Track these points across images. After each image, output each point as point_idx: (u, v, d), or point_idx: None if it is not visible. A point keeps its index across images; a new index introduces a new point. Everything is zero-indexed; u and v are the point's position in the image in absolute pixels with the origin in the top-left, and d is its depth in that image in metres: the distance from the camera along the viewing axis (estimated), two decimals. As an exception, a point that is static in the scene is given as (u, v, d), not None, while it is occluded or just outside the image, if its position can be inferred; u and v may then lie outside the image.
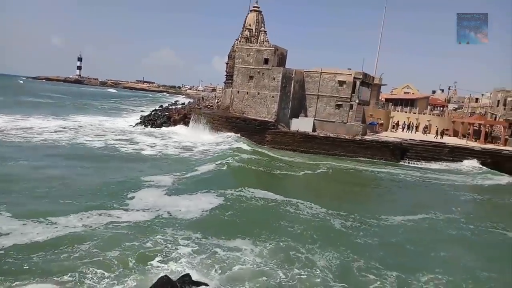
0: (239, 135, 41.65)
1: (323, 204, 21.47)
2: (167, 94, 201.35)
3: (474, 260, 16.31)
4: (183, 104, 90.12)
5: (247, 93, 44.47)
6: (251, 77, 44.22)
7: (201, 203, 20.07)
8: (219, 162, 30.23)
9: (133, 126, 52.66)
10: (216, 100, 59.85)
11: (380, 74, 61.33)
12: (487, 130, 46.45)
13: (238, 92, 45.22)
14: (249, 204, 20.85)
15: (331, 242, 16.61)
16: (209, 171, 27.64)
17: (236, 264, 14.01)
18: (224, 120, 43.88)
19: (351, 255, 15.52)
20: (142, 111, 76.89)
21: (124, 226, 16.39)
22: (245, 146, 37.43)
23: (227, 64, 54.16)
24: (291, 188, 25.89)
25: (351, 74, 42.41)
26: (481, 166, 37.32)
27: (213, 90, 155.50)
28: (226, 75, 53.77)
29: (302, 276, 13.60)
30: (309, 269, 14.09)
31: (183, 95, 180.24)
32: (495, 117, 49.19)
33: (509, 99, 47.50)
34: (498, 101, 49.92)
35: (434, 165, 37.89)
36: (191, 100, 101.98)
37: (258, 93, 43.66)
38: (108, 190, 21.32)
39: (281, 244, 15.96)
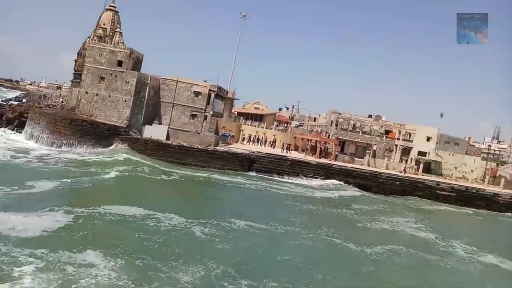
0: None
1: (182, 214, 21.63)
2: (4, 89, 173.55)
3: (312, 264, 18.36)
4: (20, 101, 79.73)
5: (97, 94, 41.63)
6: (102, 78, 41.60)
7: (42, 221, 17.64)
8: (65, 174, 27.43)
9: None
10: (61, 99, 54.50)
11: (234, 89, 64.34)
12: (322, 146, 52.51)
13: (87, 93, 41.98)
14: (105, 221, 19.21)
15: (194, 253, 16.93)
16: (54, 184, 24.46)
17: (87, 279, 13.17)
18: (68, 122, 39.83)
19: (213, 263, 16.08)
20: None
21: None
22: (109, 155, 35.03)
23: (76, 61, 49.74)
24: (149, 200, 24.78)
25: (206, 86, 43.46)
26: (318, 179, 42.00)
27: (58, 88, 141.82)
28: (74, 73, 49.24)
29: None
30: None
31: (21, 90, 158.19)
32: (329, 135, 55.97)
33: (340, 120, 54.73)
34: (332, 121, 56.98)
35: (277, 177, 41.04)
36: (31, 97, 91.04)
37: (109, 96, 41.28)
38: None
39: (137, 261, 15.33)
